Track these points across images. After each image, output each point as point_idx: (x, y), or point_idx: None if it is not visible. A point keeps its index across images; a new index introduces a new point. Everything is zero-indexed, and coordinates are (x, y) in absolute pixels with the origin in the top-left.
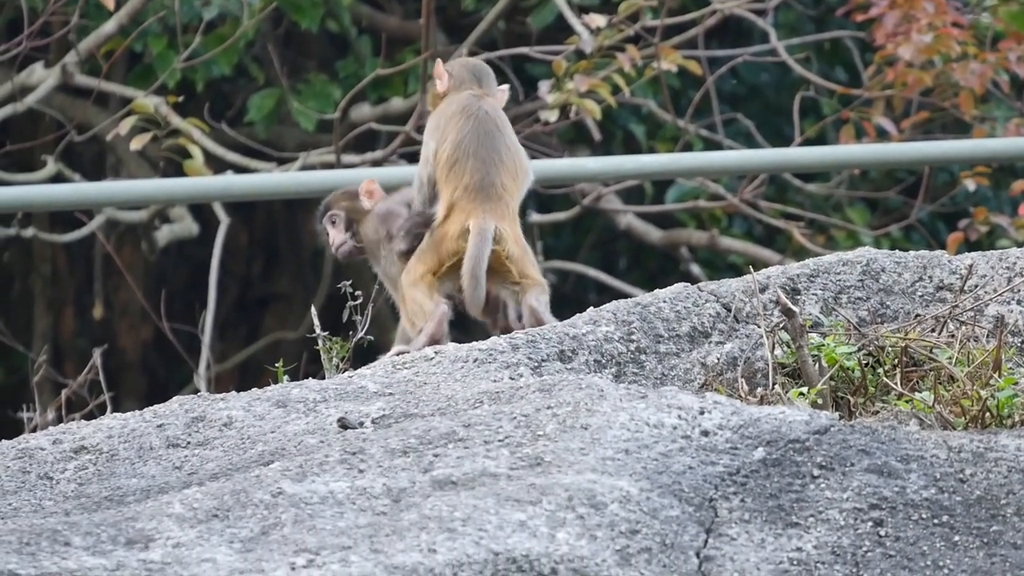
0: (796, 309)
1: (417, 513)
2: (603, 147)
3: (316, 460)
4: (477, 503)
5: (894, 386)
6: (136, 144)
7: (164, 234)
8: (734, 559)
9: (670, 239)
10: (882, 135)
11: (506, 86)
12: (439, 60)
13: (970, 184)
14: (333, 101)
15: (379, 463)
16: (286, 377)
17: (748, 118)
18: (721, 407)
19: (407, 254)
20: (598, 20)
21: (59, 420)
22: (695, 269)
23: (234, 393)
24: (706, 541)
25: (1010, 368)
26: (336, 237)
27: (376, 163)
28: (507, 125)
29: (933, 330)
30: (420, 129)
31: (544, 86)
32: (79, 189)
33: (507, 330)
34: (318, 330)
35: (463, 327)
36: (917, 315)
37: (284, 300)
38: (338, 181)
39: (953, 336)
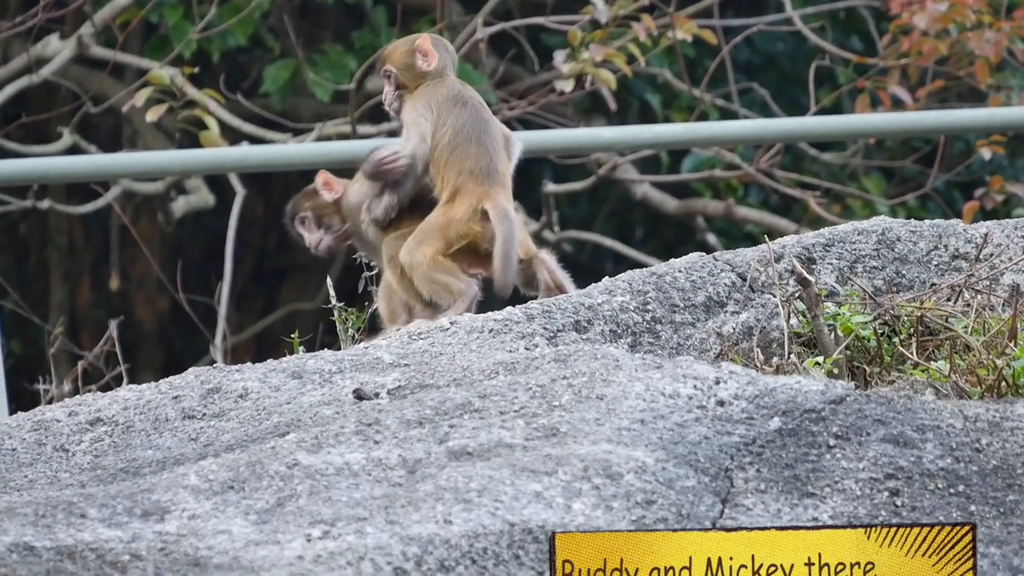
0: (811, 278)
1: (433, 484)
2: (619, 117)
3: (332, 431)
4: (493, 474)
5: (910, 355)
6: (152, 115)
7: (180, 205)
8: (750, 529)
9: (686, 209)
10: (897, 104)
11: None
12: (426, 36)
13: (986, 153)
14: (349, 72)
15: (395, 434)
16: (302, 348)
17: (763, 87)
18: (737, 377)
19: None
20: None
21: (75, 392)
22: (711, 239)
23: (250, 364)
24: (722, 511)
25: None
26: (312, 238)
27: (392, 133)
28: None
29: (949, 299)
30: None
31: (559, 56)
32: (95, 161)
33: None
34: (334, 301)
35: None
36: (933, 284)
37: (300, 271)
38: (354, 151)
39: (969, 305)
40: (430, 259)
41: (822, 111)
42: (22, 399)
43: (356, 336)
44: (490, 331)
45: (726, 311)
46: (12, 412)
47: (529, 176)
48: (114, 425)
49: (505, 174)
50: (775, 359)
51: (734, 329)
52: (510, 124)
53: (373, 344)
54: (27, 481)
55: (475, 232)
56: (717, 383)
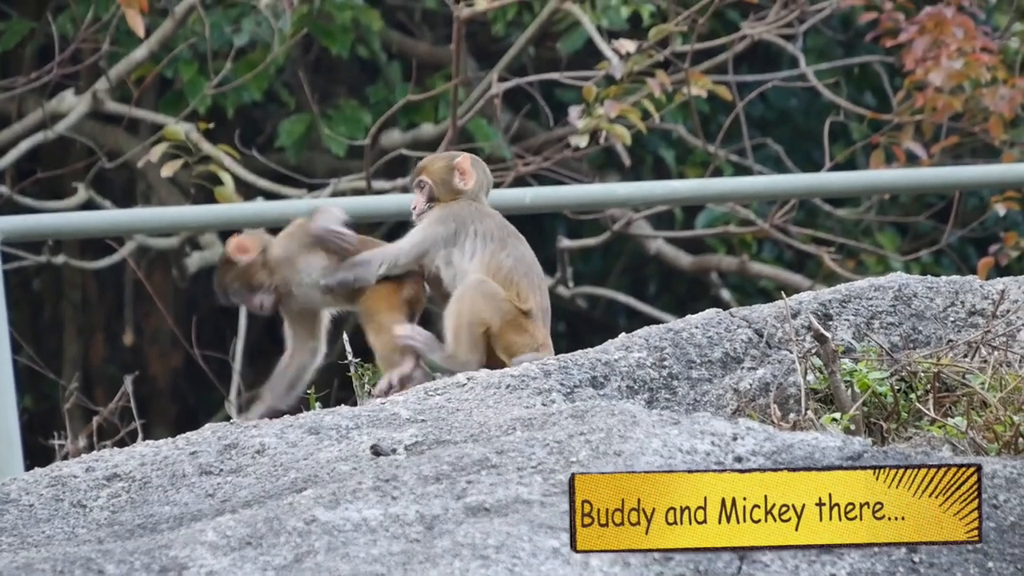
0: (828, 335)
1: (450, 540)
2: (633, 172)
3: (349, 487)
4: (510, 530)
5: (927, 411)
6: (167, 171)
7: (194, 261)
8: None
9: (700, 264)
10: (912, 160)
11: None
12: (466, 156)
13: (1000, 209)
14: (363, 127)
15: (412, 490)
16: (318, 404)
17: (778, 143)
18: (754, 433)
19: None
20: (628, 45)
21: (90, 447)
22: (725, 294)
23: (267, 420)
24: (740, 568)
25: None
26: (252, 304)
27: (406, 189)
28: None
29: (965, 355)
30: None
31: (574, 111)
32: (110, 216)
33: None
34: (350, 356)
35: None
36: (949, 340)
37: None
38: (369, 206)
39: (986, 361)
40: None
41: (836, 167)
42: (36, 454)
43: (372, 391)
44: (507, 387)
45: (743, 367)
46: (27, 467)
47: (543, 231)
48: (131, 481)
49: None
50: (792, 415)
51: (751, 385)
52: (524, 180)
53: (390, 400)
54: (45, 537)
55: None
56: (735, 439)
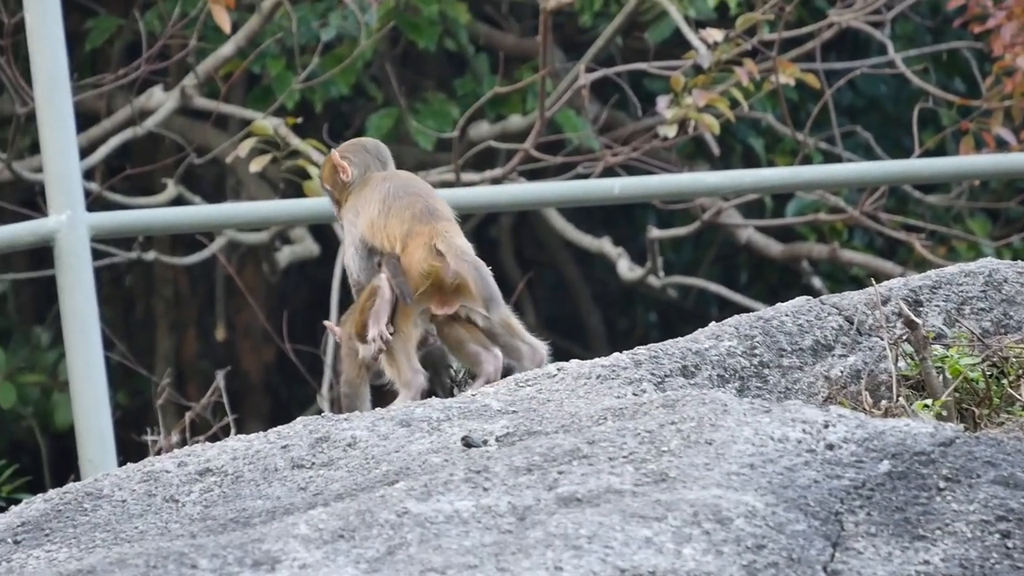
0: (919, 321)
1: (542, 531)
2: (722, 161)
3: (441, 479)
4: (602, 520)
5: (1019, 397)
6: (255, 166)
7: (285, 255)
8: (861, 573)
9: (791, 253)
10: (1001, 145)
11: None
12: (334, 152)
13: None
14: (451, 119)
15: (503, 481)
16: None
17: (867, 130)
18: (845, 420)
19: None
20: (715, 35)
21: (183, 442)
22: (816, 282)
23: (358, 413)
24: (833, 555)
25: None
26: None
27: (495, 181)
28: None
29: None
30: (539, 147)
31: (662, 101)
32: (200, 212)
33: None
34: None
35: None
36: None
37: None
38: (456, 199)
39: None
40: (403, 332)
41: (926, 153)
42: (129, 450)
43: (464, 383)
44: (598, 377)
45: (833, 354)
46: (120, 463)
47: (633, 222)
48: (223, 475)
49: (445, 211)
50: (883, 402)
51: (842, 372)
52: (613, 170)
53: (481, 391)
54: (137, 532)
55: (435, 269)
56: (826, 427)
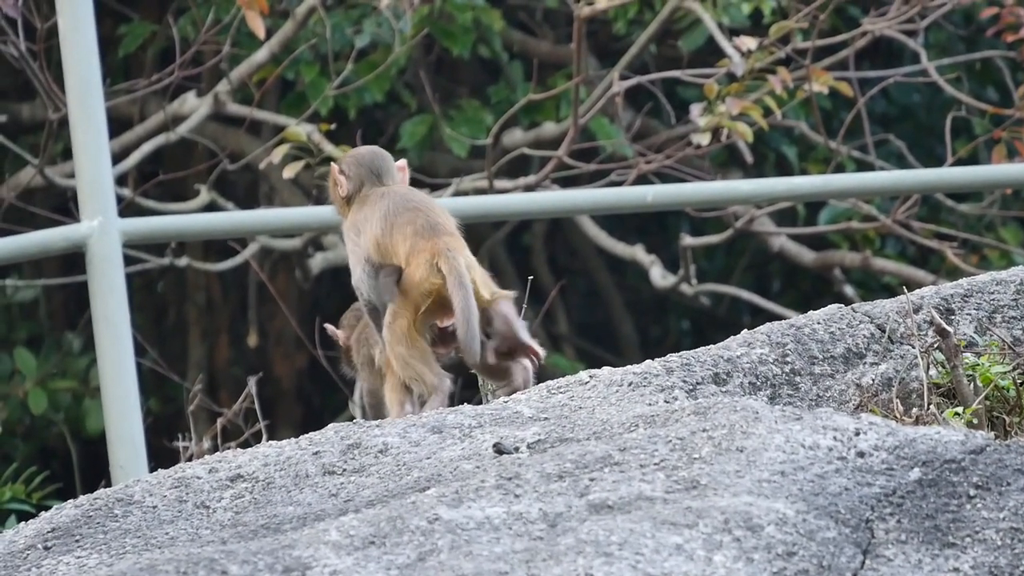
0: (950, 329)
1: (573, 538)
2: (755, 169)
3: (472, 486)
4: (633, 527)
5: None
6: (289, 172)
7: (318, 261)
8: None
9: (823, 261)
10: None
11: (403, 161)
12: (333, 165)
13: None
14: (485, 127)
15: (535, 488)
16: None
17: (900, 139)
18: (876, 428)
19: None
20: (749, 43)
21: (215, 449)
22: (848, 290)
23: (389, 420)
24: (863, 562)
25: None
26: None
27: (529, 188)
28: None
29: None
30: (573, 154)
31: (696, 109)
32: (232, 218)
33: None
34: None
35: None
36: None
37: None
38: (491, 206)
39: None
40: (403, 333)
41: (959, 162)
42: (161, 456)
43: (496, 390)
44: (629, 384)
45: (865, 362)
46: (151, 470)
47: (666, 229)
48: (254, 481)
49: (448, 224)
50: (914, 410)
51: (873, 380)
52: (647, 178)
53: (512, 398)
54: (168, 538)
55: (437, 286)
56: (857, 434)
